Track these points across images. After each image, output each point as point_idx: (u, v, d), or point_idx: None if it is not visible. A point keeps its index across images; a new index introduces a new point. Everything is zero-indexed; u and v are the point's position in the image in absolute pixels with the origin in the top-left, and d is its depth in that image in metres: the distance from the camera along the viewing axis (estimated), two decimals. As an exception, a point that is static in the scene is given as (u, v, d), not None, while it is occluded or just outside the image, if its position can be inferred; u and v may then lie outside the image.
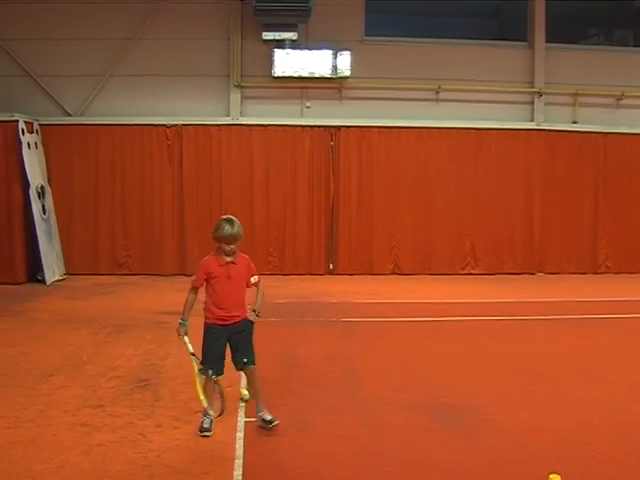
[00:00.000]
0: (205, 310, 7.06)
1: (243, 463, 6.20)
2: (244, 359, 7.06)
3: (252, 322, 7.18)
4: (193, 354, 7.00)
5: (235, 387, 8.08)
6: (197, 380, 6.99)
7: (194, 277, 7.09)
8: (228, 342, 7.05)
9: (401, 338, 11.75)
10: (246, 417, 7.34)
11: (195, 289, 7.09)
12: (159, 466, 6.15)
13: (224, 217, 7.03)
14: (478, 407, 7.86)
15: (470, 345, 11.26)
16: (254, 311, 7.18)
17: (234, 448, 6.54)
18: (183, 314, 7.02)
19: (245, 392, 7.88)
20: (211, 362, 6.97)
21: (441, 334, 12.06)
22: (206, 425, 6.92)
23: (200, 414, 7.07)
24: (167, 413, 7.46)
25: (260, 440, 6.80)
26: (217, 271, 6.97)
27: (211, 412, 6.92)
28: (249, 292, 7.21)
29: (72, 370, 9.38)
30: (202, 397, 6.95)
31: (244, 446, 6.59)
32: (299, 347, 10.96)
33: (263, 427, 7.00)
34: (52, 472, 5.97)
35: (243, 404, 7.73)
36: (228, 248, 6.95)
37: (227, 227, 6.90)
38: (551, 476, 5.30)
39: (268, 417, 7.01)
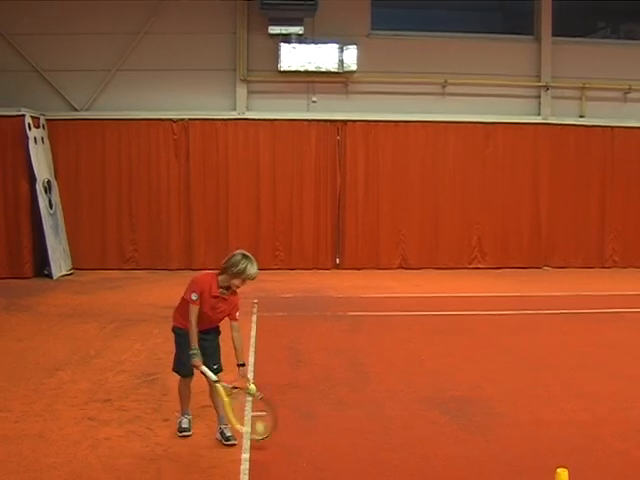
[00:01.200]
0: (180, 315, 6.81)
1: (250, 457, 6.20)
2: (214, 366, 6.72)
3: (219, 331, 6.89)
4: (218, 381, 6.64)
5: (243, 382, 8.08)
6: (228, 408, 6.58)
7: (193, 296, 6.58)
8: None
9: (408, 332, 11.74)
10: (253, 411, 7.32)
11: (197, 308, 6.61)
12: (166, 460, 6.16)
13: (244, 253, 6.66)
14: (486, 401, 7.85)
15: (478, 339, 11.25)
16: (241, 365, 6.84)
17: (241, 442, 6.54)
18: (193, 343, 6.54)
19: (253, 387, 7.87)
20: (183, 364, 6.77)
21: (448, 328, 12.05)
22: (185, 425, 6.85)
23: (177, 414, 7.02)
24: (174, 407, 7.43)
25: (267, 434, 6.80)
26: (207, 298, 6.60)
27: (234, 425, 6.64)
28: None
29: (79, 364, 9.40)
30: (238, 425, 6.62)
31: (251, 440, 6.58)
32: (306, 341, 10.97)
33: (220, 440, 6.63)
34: (60, 465, 5.98)
35: (250, 399, 7.71)
36: (238, 285, 6.66)
37: (250, 269, 6.57)
38: (558, 470, 5.26)
39: (228, 433, 6.62)
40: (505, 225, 19.92)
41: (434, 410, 7.54)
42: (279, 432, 6.72)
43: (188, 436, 6.74)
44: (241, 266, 6.56)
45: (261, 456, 6.23)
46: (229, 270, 6.60)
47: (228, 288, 6.68)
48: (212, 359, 6.76)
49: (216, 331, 6.89)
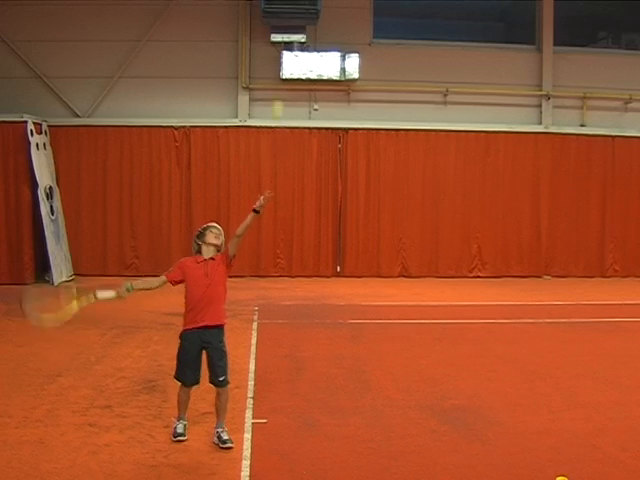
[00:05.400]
0: (184, 319, 6.93)
1: (250, 464, 6.21)
2: (219, 378, 6.75)
3: (223, 333, 6.89)
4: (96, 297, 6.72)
5: (242, 389, 8.09)
6: (73, 299, 6.69)
7: (170, 270, 7.02)
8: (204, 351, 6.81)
9: (408, 340, 11.75)
10: (253, 418, 7.34)
11: (165, 278, 7.01)
12: (167, 467, 6.16)
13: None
14: (485, 410, 7.86)
15: (478, 348, 11.25)
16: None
17: (241, 449, 6.55)
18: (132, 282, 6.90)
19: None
20: (186, 372, 6.83)
21: (449, 337, 12.05)
22: (180, 430, 6.84)
23: (173, 419, 7.02)
24: (175, 414, 7.45)
25: (267, 441, 6.79)
26: (192, 270, 6.87)
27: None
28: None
29: (80, 370, 9.41)
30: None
31: (251, 447, 6.60)
32: (306, 349, 10.97)
33: (217, 444, 6.66)
34: (60, 472, 5.99)
35: (250, 407, 7.73)
36: (211, 241, 6.97)
37: (207, 225, 7.09)
38: (558, 479, 5.30)
39: (225, 436, 6.67)
40: (505, 234, 19.95)
41: (434, 418, 7.55)
42: (279, 439, 6.75)
43: (183, 441, 6.74)
44: (200, 230, 7.02)
45: (261, 463, 6.24)
46: (197, 240, 6.97)
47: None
48: (216, 371, 6.75)
49: (221, 331, 6.84)
